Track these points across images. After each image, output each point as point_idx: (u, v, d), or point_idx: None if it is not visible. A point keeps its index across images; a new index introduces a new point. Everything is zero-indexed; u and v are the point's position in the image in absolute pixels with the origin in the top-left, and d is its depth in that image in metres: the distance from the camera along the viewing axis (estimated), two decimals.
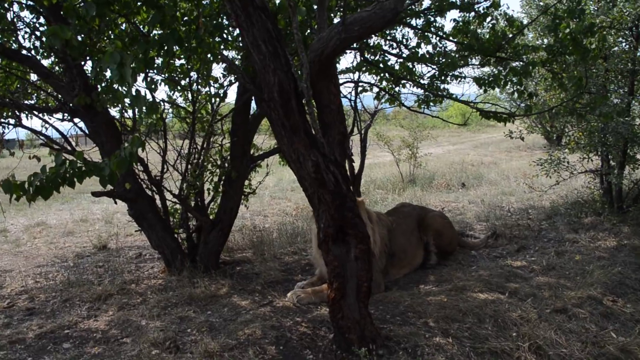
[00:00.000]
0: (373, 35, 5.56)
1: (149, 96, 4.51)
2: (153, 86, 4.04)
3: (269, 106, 3.03)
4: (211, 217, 5.57)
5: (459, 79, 4.91)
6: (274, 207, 9.67)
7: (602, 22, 6.49)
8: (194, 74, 5.11)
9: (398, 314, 4.08)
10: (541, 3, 7.22)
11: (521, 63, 4.81)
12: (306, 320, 4.05)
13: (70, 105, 4.83)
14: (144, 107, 2.85)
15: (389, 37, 5.69)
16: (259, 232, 6.99)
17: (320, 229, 3.27)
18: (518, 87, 4.72)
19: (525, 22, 6.50)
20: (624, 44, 6.95)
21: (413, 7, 5.68)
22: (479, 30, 5.62)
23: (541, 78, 6.97)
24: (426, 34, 5.46)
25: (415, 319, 3.94)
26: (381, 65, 5.12)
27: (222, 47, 4.95)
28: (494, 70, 4.87)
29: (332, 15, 4.38)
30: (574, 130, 7.23)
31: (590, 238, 6.02)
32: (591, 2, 6.92)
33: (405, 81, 5.36)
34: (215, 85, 5.24)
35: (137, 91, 3.09)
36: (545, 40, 5.85)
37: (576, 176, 7.44)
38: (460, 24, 5.54)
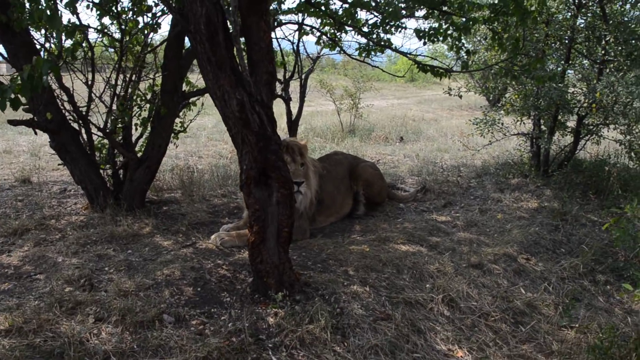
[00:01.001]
0: None
1: (74, 19, 4.22)
2: (73, 8, 3.73)
3: (195, 38, 2.87)
4: (139, 153, 5.36)
5: (400, 29, 4.83)
6: (209, 148, 9.46)
7: None
8: (125, 0, 4.79)
9: (320, 261, 4.10)
10: None
11: (464, 19, 4.77)
12: (227, 263, 4.02)
13: None
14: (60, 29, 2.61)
15: None
16: (190, 173, 6.82)
17: (242, 170, 3.19)
18: (457, 42, 4.70)
19: None
20: (565, 11, 7.03)
21: None
22: None
23: (483, 36, 6.99)
24: None
25: (336, 267, 3.98)
26: (323, 8, 4.95)
27: None
28: (436, 23, 4.81)
29: None
30: (510, 93, 7.35)
31: (514, 198, 6.23)
32: None
33: (347, 27, 5.22)
34: (148, 15, 4.94)
35: (53, 10, 2.85)
36: None
37: (509, 138, 7.62)
38: None
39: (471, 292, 3.78)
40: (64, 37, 4.26)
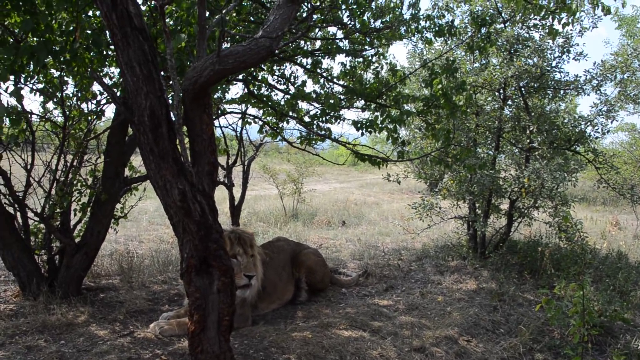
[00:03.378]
0: (260, 69, 5.64)
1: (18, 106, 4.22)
2: (18, 97, 3.76)
3: (139, 129, 2.94)
4: (77, 239, 5.24)
5: (339, 120, 5.09)
6: (151, 232, 9.29)
7: (474, 81, 7.07)
8: (70, 87, 4.86)
9: (262, 349, 4.04)
10: (424, 57, 7.72)
11: (399, 111, 5.08)
12: (166, 352, 3.90)
13: None
14: (5, 117, 2.63)
15: (277, 73, 5.79)
16: (130, 258, 6.66)
17: (183, 258, 3.18)
18: (393, 133, 4.97)
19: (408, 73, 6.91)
20: (493, 102, 7.59)
21: (304, 46, 5.84)
22: (364, 76, 5.90)
23: (417, 126, 7.42)
24: (314, 73, 5.63)
25: (278, 355, 3.92)
26: (265, 99, 5.18)
27: (105, 62, 4.78)
28: (372, 115, 5.10)
29: (213, 46, 4.38)
30: (446, 178, 7.72)
31: (453, 280, 6.39)
32: (467, 62, 7.51)
33: (289, 117, 5.45)
34: (93, 102, 5.01)
35: None
36: (425, 92, 6.24)
37: (447, 221, 7.90)
38: (347, 67, 5.78)
39: None
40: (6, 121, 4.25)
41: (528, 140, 7.09)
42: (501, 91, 7.33)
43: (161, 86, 2.87)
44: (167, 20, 3.95)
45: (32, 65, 3.90)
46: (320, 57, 5.74)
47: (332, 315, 5.01)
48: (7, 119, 3.72)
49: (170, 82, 2.92)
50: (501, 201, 7.48)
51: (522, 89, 7.17)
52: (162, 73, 3.35)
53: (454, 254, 7.61)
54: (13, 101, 3.99)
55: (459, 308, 5.32)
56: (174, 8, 4.29)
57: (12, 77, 3.71)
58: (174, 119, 3.00)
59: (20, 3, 3.32)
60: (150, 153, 2.95)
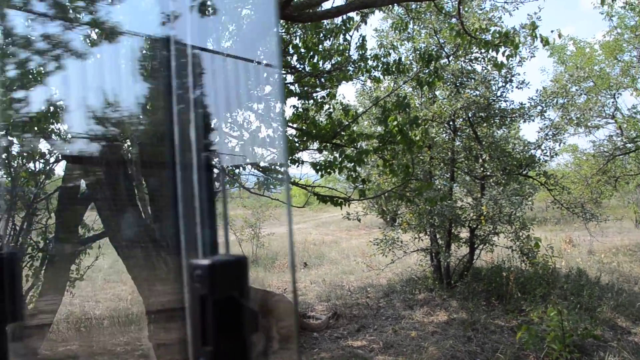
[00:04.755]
0: None
1: None
2: None
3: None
4: (30, 306, 4.93)
5: (297, 163, 5.07)
6: (107, 291, 8.89)
7: (425, 115, 7.22)
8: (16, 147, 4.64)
9: None
10: (373, 95, 7.86)
11: (355, 150, 5.10)
12: None
13: None
14: None
15: (229, 120, 5.74)
16: (87, 321, 6.33)
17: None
18: (352, 173, 4.97)
19: (359, 111, 7.00)
20: (444, 135, 7.76)
21: (254, 92, 5.82)
22: (317, 118, 5.92)
23: (374, 164, 7.50)
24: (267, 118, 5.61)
25: None
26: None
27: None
28: (330, 156, 5.10)
29: None
30: (405, 212, 7.78)
31: (424, 314, 6.35)
32: (416, 97, 7.69)
33: (245, 164, 5.39)
34: (41, 161, 4.80)
35: None
36: (379, 129, 6.31)
37: (409, 254, 7.91)
38: (300, 110, 5.79)
39: None
40: None
41: (482, 169, 7.25)
42: (451, 123, 7.51)
43: None
44: None
45: None
46: (271, 102, 5.73)
47: None
48: None
49: None
50: (460, 230, 7.57)
51: (471, 119, 7.37)
52: None
53: (421, 286, 7.60)
54: None
55: (434, 342, 5.28)
56: None
57: None
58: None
59: None
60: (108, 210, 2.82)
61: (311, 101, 5.82)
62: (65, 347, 5.55)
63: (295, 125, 5.62)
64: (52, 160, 4.77)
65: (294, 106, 5.82)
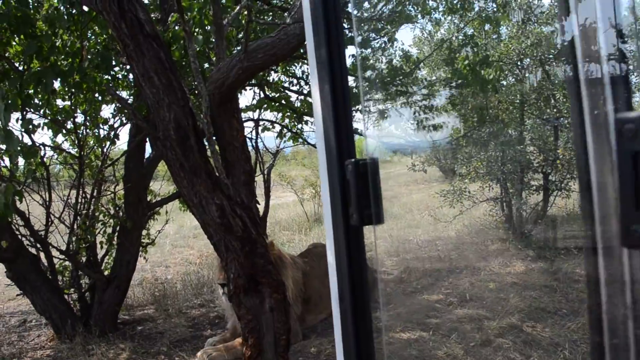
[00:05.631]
0: (273, 71, 5.38)
1: (27, 139, 4.01)
2: (31, 127, 3.53)
3: (165, 145, 2.69)
4: (106, 272, 5.00)
5: (362, 113, 4.85)
6: (175, 256, 9.06)
7: (491, 56, 6.78)
8: (80, 116, 4.62)
9: None
10: (434, 39, 7.46)
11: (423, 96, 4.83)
12: None
13: None
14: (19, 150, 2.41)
15: (289, 73, 5.54)
16: (160, 285, 6.42)
17: (229, 280, 2.92)
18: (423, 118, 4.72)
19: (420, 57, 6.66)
20: (510, 77, 7.30)
21: None
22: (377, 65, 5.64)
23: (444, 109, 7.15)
24: None
25: None
26: (283, 101, 4.92)
27: (110, 85, 4.54)
28: (390, 103, 4.86)
29: (231, 47, 4.13)
30: (472, 160, 7.42)
31: (500, 265, 6.09)
32: (479, 38, 7.23)
33: (308, 118, 5.20)
34: (105, 127, 4.78)
35: (9, 131, 2.65)
36: (442, 74, 5.98)
37: (478, 205, 7.60)
38: (361, 57, 5.52)
39: None
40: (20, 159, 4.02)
41: (555, 110, 6.79)
42: (518, 63, 7.04)
43: (184, 95, 2.62)
44: (177, 28, 3.70)
45: (39, 93, 3.67)
46: None
47: (384, 318, 4.73)
48: (21, 154, 3.50)
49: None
50: (532, 176, 7.18)
51: (541, 58, 6.87)
52: None
53: (492, 237, 7.31)
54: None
55: (514, 293, 5.03)
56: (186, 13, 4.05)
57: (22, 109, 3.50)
58: (201, 128, 2.75)
59: (21, 27, 3.08)
60: (180, 169, 2.69)
61: (369, 50, 5.55)
62: (142, 312, 5.64)
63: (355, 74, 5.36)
64: (116, 125, 4.74)
65: (353, 55, 5.56)
